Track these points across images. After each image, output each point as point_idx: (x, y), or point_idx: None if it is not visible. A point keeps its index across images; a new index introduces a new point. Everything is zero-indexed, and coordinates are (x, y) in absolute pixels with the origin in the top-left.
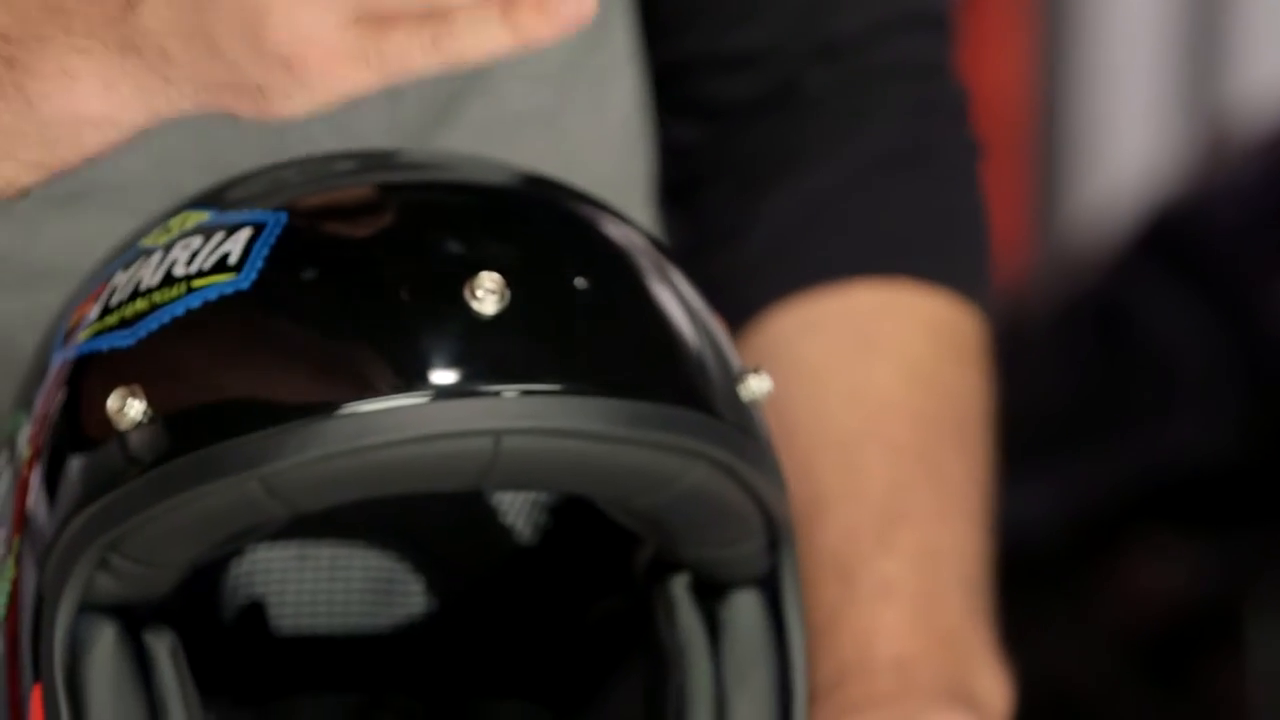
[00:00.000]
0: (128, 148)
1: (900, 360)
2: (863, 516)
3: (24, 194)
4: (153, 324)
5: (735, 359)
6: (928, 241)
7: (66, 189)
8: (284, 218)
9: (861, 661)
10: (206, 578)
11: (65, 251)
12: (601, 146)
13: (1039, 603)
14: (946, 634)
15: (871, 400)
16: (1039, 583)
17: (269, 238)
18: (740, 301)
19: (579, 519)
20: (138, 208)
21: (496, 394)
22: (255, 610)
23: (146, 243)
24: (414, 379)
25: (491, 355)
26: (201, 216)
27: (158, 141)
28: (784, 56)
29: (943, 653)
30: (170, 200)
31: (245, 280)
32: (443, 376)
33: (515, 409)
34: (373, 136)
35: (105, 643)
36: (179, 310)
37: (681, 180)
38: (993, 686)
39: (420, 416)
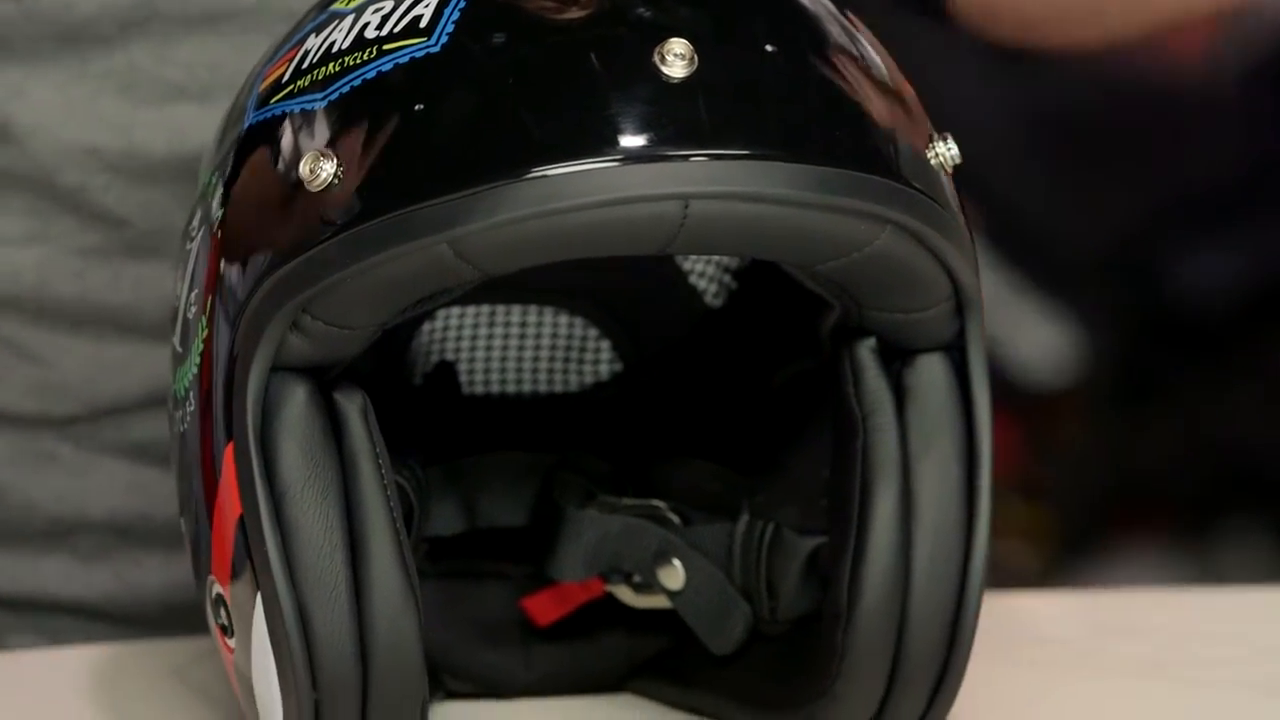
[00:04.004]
0: None
1: None
2: None
3: None
4: (344, 87)
5: (925, 125)
6: None
7: (202, 9)
8: None
9: None
10: (397, 339)
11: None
12: None
13: (1219, 368)
14: None
15: None
16: (1219, 349)
17: (460, 1)
18: None
19: (766, 283)
20: (272, 29)
21: (685, 158)
22: (445, 371)
23: (339, 6)
24: (603, 143)
25: (680, 120)
26: None
27: None
28: None
29: None
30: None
31: (436, 44)
32: (632, 141)
33: (703, 173)
34: None
35: (297, 402)
36: (370, 73)
37: None
38: None
39: (609, 180)
